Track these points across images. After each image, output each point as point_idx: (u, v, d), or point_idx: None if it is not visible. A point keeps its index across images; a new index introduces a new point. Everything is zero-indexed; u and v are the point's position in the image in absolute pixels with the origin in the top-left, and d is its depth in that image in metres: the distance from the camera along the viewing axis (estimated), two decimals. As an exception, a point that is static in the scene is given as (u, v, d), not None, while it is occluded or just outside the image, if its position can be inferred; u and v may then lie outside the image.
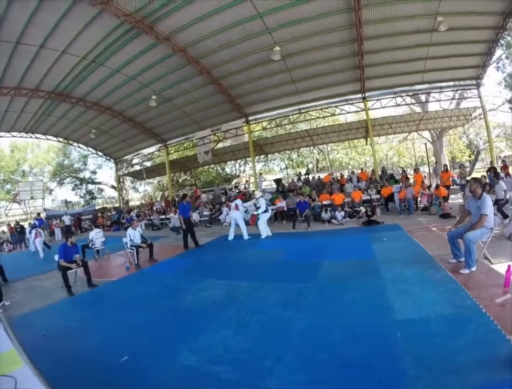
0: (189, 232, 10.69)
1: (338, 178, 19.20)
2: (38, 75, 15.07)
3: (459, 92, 18.80)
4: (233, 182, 32.89)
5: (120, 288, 7.23)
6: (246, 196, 19.12)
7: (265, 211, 11.48)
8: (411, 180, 14.73)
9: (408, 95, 18.60)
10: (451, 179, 15.23)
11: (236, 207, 11.59)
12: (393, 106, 18.72)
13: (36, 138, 24.46)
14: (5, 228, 21.77)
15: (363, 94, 17.21)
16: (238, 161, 36.34)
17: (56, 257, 7.35)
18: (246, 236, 11.14)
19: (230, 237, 11.38)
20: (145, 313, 5.19)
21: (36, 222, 19.25)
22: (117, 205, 32.02)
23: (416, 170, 15.68)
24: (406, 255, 6.54)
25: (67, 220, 21.36)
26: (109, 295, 6.71)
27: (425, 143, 28.69)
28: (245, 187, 25.19)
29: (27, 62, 13.75)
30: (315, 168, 34.41)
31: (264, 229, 11.25)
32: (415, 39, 13.12)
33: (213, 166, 35.81)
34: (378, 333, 3.55)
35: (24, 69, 14.37)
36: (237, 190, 23.00)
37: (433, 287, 4.64)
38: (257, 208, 11.56)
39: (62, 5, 10.56)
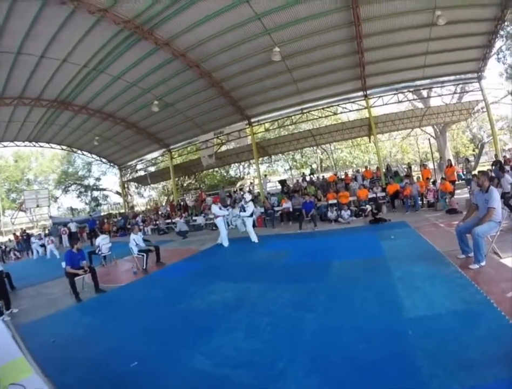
0: None
1: (343, 177, 19.13)
2: (40, 84, 15.14)
3: (460, 86, 18.66)
4: (238, 185, 32.85)
5: (128, 293, 7.26)
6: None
7: (250, 216, 11.36)
8: (417, 177, 14.63)
9: (409, 91, 18.49)
10: (456, 173, 15.15)
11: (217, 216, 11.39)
12: (395, 102, 18.66)
13: (40, 146, 24.60)
14: (11, 237, 21.91)
15: (365, 92, 17.12)
16: (242, 163, 36.33)
17: (63, 264, 7.37)
18: (225, 243, 11.08)
19: (225, 244, 11.11)
20: (154, 317, 5.19)
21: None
22: (122, 210, 32.18)
23: (424, 166, 15.60)
24: (414, 252, 6.51)
25: (73, 227, 21.46)
26: (118, 301, 6.72)
27: (429, 139, 28.57)
28: (250, 189, 25.19)
29: (29, 72, 13.84)
30: (319, 168, 34.29)
31: (253, 233, 11.19)
32: (414, 34, 13.04)
33: (217, 169, 35.90)
34: (390, 332, 3.53)
35: (25, 79, 14.45)
36: (241, 193, 23.00)
37: (443, 283, 4.62)
38: (244, 210, 11.40)
39: (60, 15, 10.63)
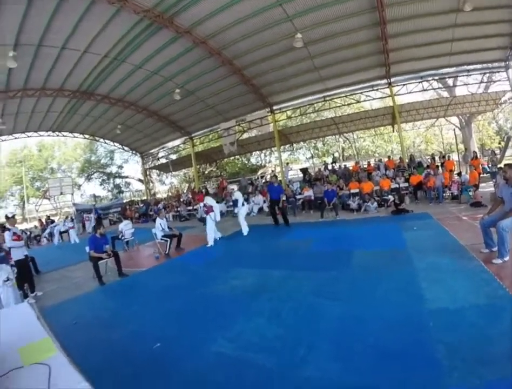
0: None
1: (365, 166, 18.89)
2: (62, 75, 15.40)
3: (487, 75, 18.01)
4: (259, 173, 32.73)
5: (150, 277, 7.40)
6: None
7: (243, 205, 11.18)
8: (440, 167, 14.31)
9: (434, 79, 17.96)
10: (481, 166, 14.74)
11: (209, 210, 9.97)
12: (420, 91, 18.12)
13: (63, 136, 25.23)
14: (36, 223, 22.53)
15: (389, 80, 16.75)
16: (264, 151, 36.19)
17: (87, 248, 7.55)
18: (210, 243, 9.79)
19: (211, 242, 9.83)
20: (176, 301, 5.29)
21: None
22: (144, 197, 32.66)
23: (448, 157, 15.21)
24: (437, 245, 6.40)
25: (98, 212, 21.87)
26: (140, 285, 6.86)
27: (454, 130, 27.81)
28: (271, 177, 25.12)
29: (51, 63, 14.05)
30: (341, 157, 33.80)
31: (245, 224, 10.95)
32: (439, 20, 12.55)
33: (238, 157, 35.92)
34: (412, 322, 3.53)
35: (47, 71, 14.69)
36: (263, 181, 22.95)
37: (466, 276, 4.55)
38: (234, 203, 11.25)
39: (80, 7, 10.71)
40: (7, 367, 1.68)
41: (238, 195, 11.21)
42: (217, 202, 12.76)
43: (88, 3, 10.54)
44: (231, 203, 16.88)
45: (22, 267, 6.67)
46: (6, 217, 7.55)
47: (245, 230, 10.83)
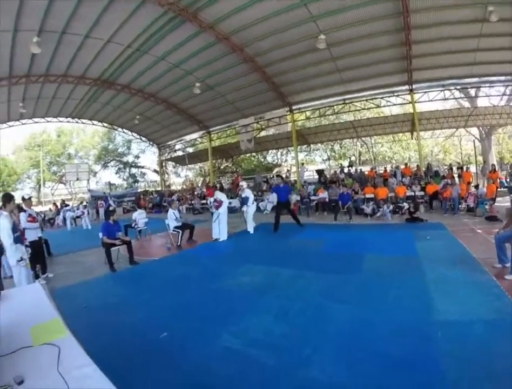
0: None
1: (381, 172, 18.71)
2: (84, 63, 15.64)
3: (510, 87, 17.62)
4: (274, 171, 32.68)
5: (161, 267, 7.45)
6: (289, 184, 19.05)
7: (252, 203, 11.06)
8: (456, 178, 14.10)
9: (456, 88, 17.68)
10: (498, 180, 14.48)
11: (219, 205, 9.95)
12: (441, 99, 17.82)
13: (83, 123, 25.67)
14: (51, 207, 22.92)
15: (410, 86, 16.53)
16: (280, 150, 36.23)
17: (100, 234, 7.65)
18: (224, 236, 9.88)
19: (215, 235, 9.91)
20: (185, 293, 5.33)
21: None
22: (159, 188, 33.01)
23: (466, 168, 14.97)
24: (450, 256, 6.34)
25: (111, 201, 22.11)
26: (151, 274, 6.93)
27: (473, 141, 27.34)
28: (286, 176, 25.12)
29: (73, 51, 14.29)
30: (357, 161, 33.57)
31: (252, 223, 10.93)
32: (464, 29, 12.31)
33: (254, 154, 35.95)
34: (420, 331, 3.50)
35: (70, 58, 14.94)
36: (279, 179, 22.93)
37: (476, 290, 4.50)
38: (243, 201, 11.11)
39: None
40: (17, 345, 1.70)
41: (248, 193, 11.05)
42: (231, 197, 12.69)
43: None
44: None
45: (36, 248, 6.76)
46: (23, 198, 7.66)
47: (251, 228, 10.80)
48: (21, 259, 5.12)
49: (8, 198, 5.38)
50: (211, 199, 10.47)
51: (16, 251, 5.10)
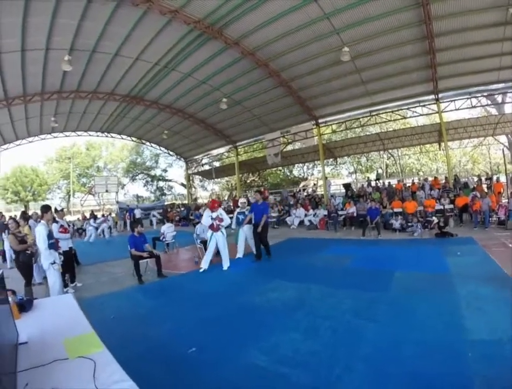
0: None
1: (409, 184, 18.34)
2: (113, 80, 16.25)
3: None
4: (301, 185, 32.52)
5: (189, 281, 7.49)
6: (315, 200, 18.96)
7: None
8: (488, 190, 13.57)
9: (483, 95, 17.18)
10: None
11: (217, 227, 8.37)
12: (468, 107, 17.28)
13: (112, 137, 26.53)
14: (80, 217, 23.67)
15: (436, 96, 16.16)
16: (307, 164, 36.15)
17: (129, 247, 7.72)
18: (226, 265, 8.29)
19: (205, 266, 8.13)
20: (213, 308, 5.32)
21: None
22: (186, 201, 33.49)
23: (497, 179, 14.47)
24: (481, 272, 6.14)
25: (137, 213, 22.55)
26: (178, 287, 7.00)
27: (502, 149, 26.49)
28: (313, 190, 25.01)
29: (103, 68, 14.87)
30: (384, 174, 33.09)
31: (242, 246, 9.51)
32: (487, 33, 11.96)
33: (280, 168, 36.07)
34: (450, 351, 3.39)
35: (100, 75, 15.54)
36: (305, 194, 22.80)
37: (509, 308, 4.30)
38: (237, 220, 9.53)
39: (133, 16, 11.28)
40: (50, 357, 1.73)
41: (223, 213, 8.70)
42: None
43: (141, 13, 11.09)
44: (273, 214, 16.42)
45: (66, 258, 6.96)
46: (55, 210, 7.85)
47: (240, 254, 9.43)
48: (54, 262, 5.56)
49: (46, 208, 6.01)
50: (214, 215, 8.36)
51: (50, 255, 5.56)
